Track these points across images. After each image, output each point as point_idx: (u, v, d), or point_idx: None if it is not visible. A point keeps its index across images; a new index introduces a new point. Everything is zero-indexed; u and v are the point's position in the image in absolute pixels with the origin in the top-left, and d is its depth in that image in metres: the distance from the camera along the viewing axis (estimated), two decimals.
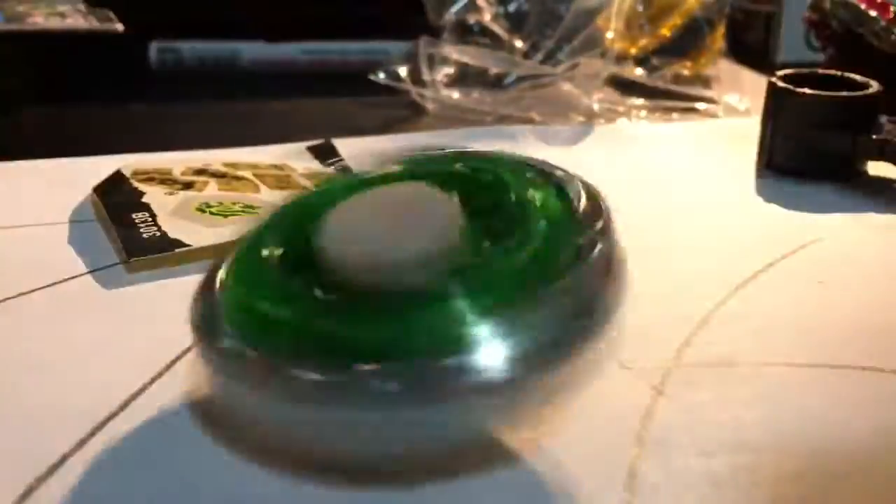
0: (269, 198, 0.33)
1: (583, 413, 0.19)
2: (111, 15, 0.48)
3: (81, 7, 0.49)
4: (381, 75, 0.49)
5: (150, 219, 0.30)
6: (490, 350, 0.15)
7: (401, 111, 0.47)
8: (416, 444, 0.16)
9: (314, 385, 0.16)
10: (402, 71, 0.50)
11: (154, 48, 0.52)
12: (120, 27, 0.47)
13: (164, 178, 0.34)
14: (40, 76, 0.46)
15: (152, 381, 0.20)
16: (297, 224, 0.19)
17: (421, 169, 0.20)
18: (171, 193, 0.33)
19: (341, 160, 0.39)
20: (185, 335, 0.22)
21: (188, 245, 0.28)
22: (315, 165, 0.39)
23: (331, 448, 0.17)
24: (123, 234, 0.28)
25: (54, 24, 0.50)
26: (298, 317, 0.17)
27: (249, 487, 0.17)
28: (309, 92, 0.47)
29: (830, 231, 0.29)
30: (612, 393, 0.20)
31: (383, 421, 0.16)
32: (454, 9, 0.52)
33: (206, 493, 0.17)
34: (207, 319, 0.18)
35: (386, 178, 0.20)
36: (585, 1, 0.50)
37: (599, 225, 0.18)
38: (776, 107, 0.34)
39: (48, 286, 0.25)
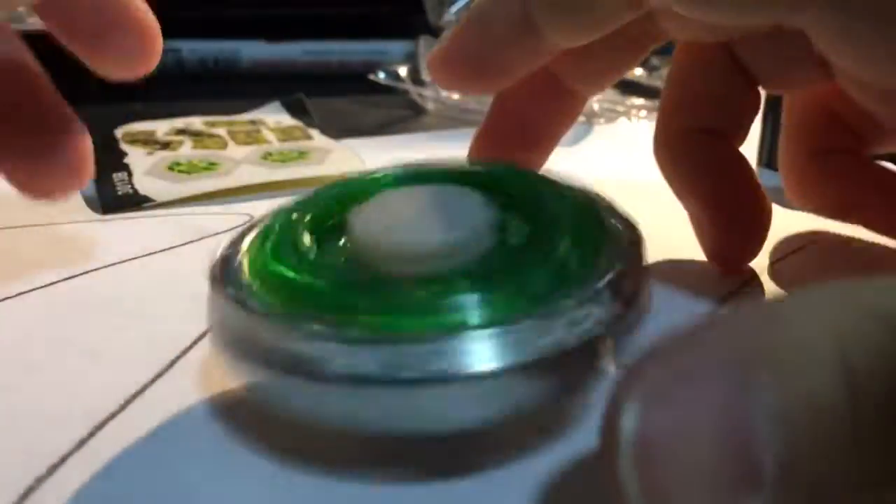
0: (236, 154, 0.38)
1: (583, 413, 0.19)
2: None
3: None
4: (381, 75, 0.49)
5: (126, 178, 0.34)
6: (482, 343, 0.15)
7: (401, 111, 0.47)
8: (400, 424, 0.16)
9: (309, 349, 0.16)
10: (402, 71, 0.50)
11: None
12: None
13: (147, 139, 0.39)
14: None
15: (153, 380, 0.20)
16: (333, 206, 0.20)
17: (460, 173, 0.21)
18: (150, 153, 0.37)
19: (310, 116, 0.42)
20: (185, 334, 0.22)
21: (154, 200, 0.32)
22: (286, 119, 0.43)
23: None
24: (102, 191, 0.33)
25: None
26: (316, 283, 0.17)
27: (250, 487, 0.17)
28: (309, 92, 0.47)
29: (830, 231, 0.29)
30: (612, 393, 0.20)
31: (360, 399, 0.16)
32: (454, 9, 0.52)
33: (206, 493, 0.17)
34: (227, 271, 0.18)
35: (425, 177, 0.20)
36: None
37: (627, 239, 0.18)
38: (775, 106, 0.34)
39: (48, 285, 0.25)
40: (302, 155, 0.38)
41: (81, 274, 0.26)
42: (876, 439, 0.12)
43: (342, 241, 0.19)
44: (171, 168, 0.35)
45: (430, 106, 0.47)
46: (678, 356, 0.13)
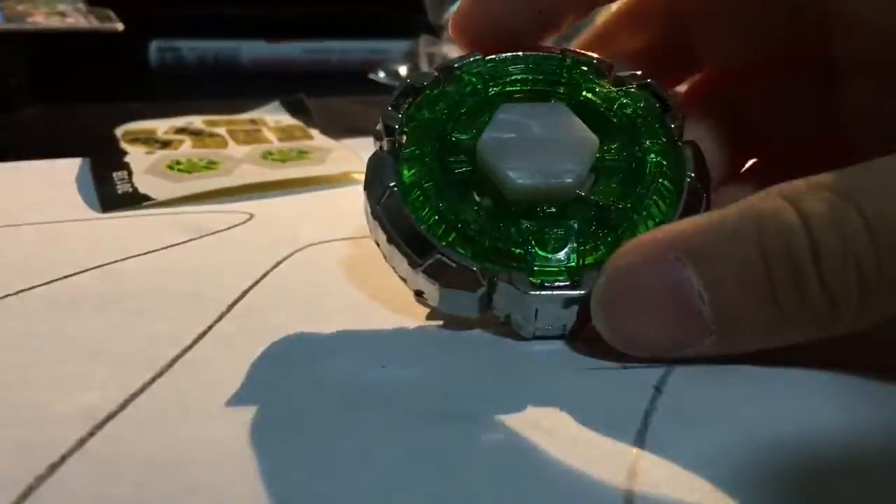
0: (236, 153, 0.38)
1: (583, 413, 0.19)
2: (111, 14, 0.48)
3: (81, 6, 0.49)
4: (381, 74, 0.49)
5: (126, 176, 0.35)
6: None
7: None
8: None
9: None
10: (402, 70, 0.50)
11: (154, 48, 0.52)
12: (120, 26, 0.47)
13: (147, 138, 0.40)
14: (40, 76, 0.46)
15: (153, 380, 0.20)
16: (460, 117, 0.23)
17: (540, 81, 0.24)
18: (149, 153, 0.37)
19: (310, 116, 0.42)
20: (185, 333, 0.22)
21: (154, 199, 0.33)
22: (286, 118, 0.43)
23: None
24: (102, 190, 0.33)
25: (54, 23, 0.50)
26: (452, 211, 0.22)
27: (251, 487, 0.17)
28: (309, 91, 0.47)
29: None
30: (612, 393, 0.20)
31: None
32: (454, 8, 0.52)
33: (206, 492, 0.17)
34: (381, 177, 0.22)
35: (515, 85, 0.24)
36: None
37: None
38: None
39: (47, 283, 0.25)
40: (302, 154, 0.38)
41: (81, 272, 0.26)
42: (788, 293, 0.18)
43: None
44: (171, 167, 0.35)
45: None
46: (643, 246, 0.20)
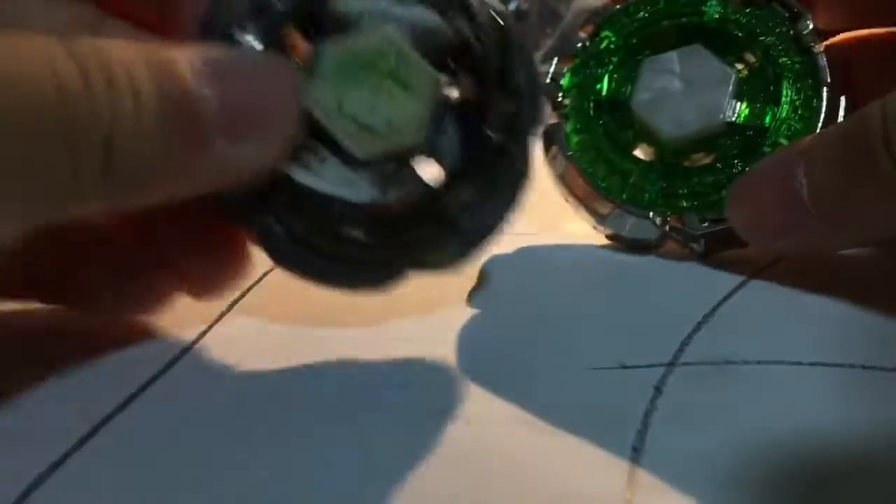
0: None
1: (583, 413, 0.19)
2: None
3: None
4: None
5: None
6: None
7: None
8: None
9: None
10: None
11: None
12: None
13: None
14: None
15: (153, 379, 0.20)
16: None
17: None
18: None
19: None
20: (185, 333, 0.22)
21: None
22: None
23: None
24: None
25: None
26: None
27: (251, 487, 0.17)
28: None
29: None
30: (612, 393, 0.20)
31: None
32: None
33: (206, 492, 0.17)
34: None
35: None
36: (585, 1, 0.50)
37: None
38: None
39: None
40: None
41: None
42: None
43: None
44: None
45: None
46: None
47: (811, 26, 0.25)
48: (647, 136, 0.26)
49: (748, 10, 0.26)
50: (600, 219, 0.26)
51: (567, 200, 0.26)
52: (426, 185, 0.20)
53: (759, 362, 0.21)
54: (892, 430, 0.18)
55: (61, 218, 0.17)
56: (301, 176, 0.20)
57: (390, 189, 0.20)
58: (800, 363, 0.21)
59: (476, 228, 0.21)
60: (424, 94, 0.20)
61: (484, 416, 0.19)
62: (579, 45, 0.27)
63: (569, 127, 0.26)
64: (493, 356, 0.21)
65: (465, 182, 0.21)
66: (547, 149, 0.26)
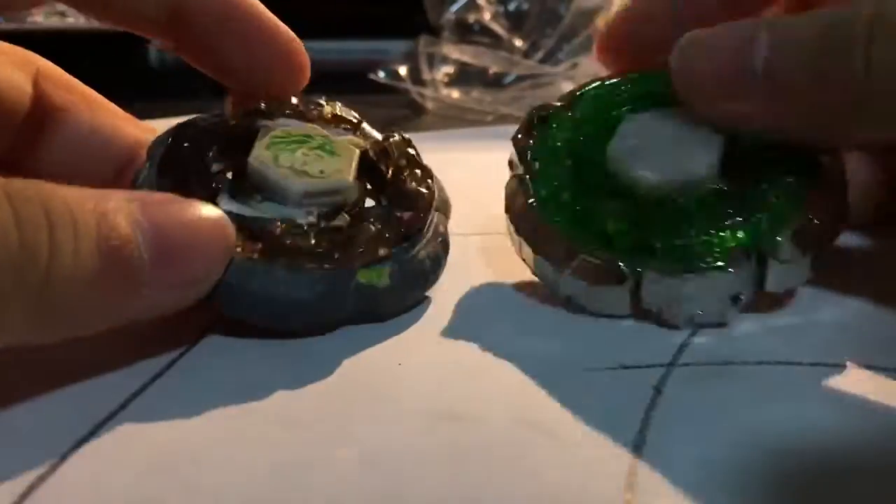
0: None
1: (583, 413, 0.19)
2: None
3: None
4: (381, 74, 0.49)
5: None
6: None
7: (400, 110, 0.47)
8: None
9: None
10: (402, 70, 0.50)
11: (154, 48, 0.52)
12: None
13: None
14: None
15: (153, 379, 0.20)
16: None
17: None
18: None
19: None
20: (185, 333, 0.22)
21: None
22: None
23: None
24: None
25: (54, 23, 0.50)
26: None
27: (251, 487, 0.17)
28: (309, 91, 0.47)
29: None
30: (612, 393, 0.20)
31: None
32: (454, 8, 0.52)
33: (206, 492, 0.17)
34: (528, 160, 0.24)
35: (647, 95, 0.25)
36: (585, 1, 0.50)
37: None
38: None
39: None
40: None
41: None
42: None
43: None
44: None
45: (429, 105, 0.47)
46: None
47: None
48: (623, 188, 0.23)
49: None
50: (562, 270, 0.23)
51: (523, 259, 0.24)
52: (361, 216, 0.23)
53: (759, 362, 0.21)
54: (892, 430, 0.18)
55: None
56: (241, 209, 0.22)
57: (325, 221, 0.23)
58: (800, 363, 0.21)
59: (408, 258, 0.23)
60: (349, 157, 0.24)
61: (484, 416, 0.19)
62: (557, 107, 0.25)
63: (538, 176, 0.24)
64: (493, 356, 0.21)
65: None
66: (510, 200, 0.24)
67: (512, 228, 0.24)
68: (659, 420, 0.19)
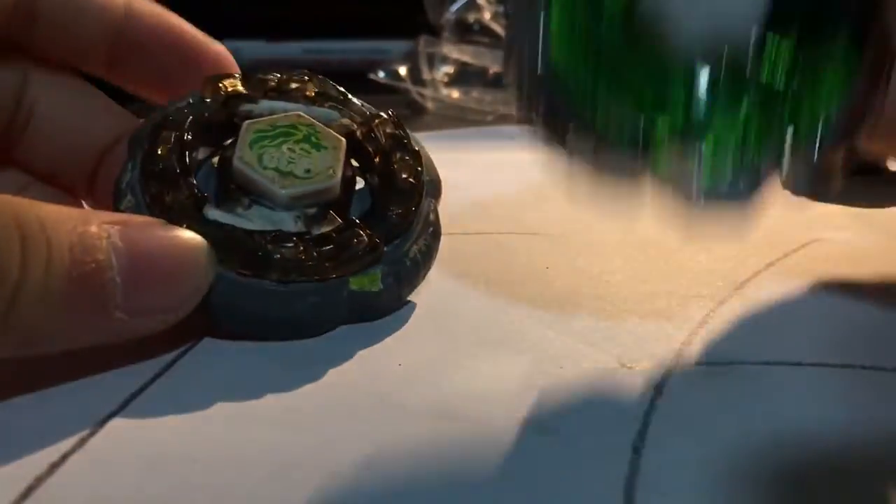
0: None
1: (583, 413, 0.19)
2: None
3: None
4: (381, 74, 0.49)
5: None
6: None
7: (400, 110, 0.47)
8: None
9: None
10: (402, 70, 0.50)
11: None
12: None
13: None
14: None
15: (153, 379, 0.20)
16: None
17: None
18: None
19: None
20: (185, 334, 0.22)
21: None
22: None
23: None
24: None
25: None
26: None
27: (252, 487, 0.17)
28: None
29: (830, 230, 0.29)
30: (612, 393, 0.20)
31: None
32: (454, 8, 0.52)
33: (207, 492, 0.17)
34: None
35: None
36: None
37: None
38: None
39: None
40: None
41: None
42: None
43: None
44: None
45: (429, 105, 0.47)
46: None
47: None
48: (654, 40, 0.20)
49: None
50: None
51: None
52: (349, 220, 0.22)
53: (759, 363, 0.21)
54: (892, 429, 0.18)
55: None
56: (227, 219, 0.22)
57: (314, 227, 0.22)
58: (800, 363, 0.21)
59: (398, 258, 0.23)
60: (335, 150, 0.23)
61: (484, 416, 0.19)
62: None
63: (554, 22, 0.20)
64: (492, 355, 0.21)
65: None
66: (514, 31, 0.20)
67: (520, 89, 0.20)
68: (659, 420, 0.19)
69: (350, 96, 0.25)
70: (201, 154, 0.23)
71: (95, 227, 0.18)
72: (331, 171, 0.22)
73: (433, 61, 0.49)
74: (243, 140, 0.23)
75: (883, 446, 0.18)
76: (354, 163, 0.24)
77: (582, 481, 0.17)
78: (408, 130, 0.24)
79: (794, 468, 0.17)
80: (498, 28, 0.52)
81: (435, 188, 0.25)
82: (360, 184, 0.24)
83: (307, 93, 0.25)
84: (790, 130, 0.19)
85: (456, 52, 0.49)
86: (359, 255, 0.22)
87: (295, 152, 0.22)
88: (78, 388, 0.20)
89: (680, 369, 0.20)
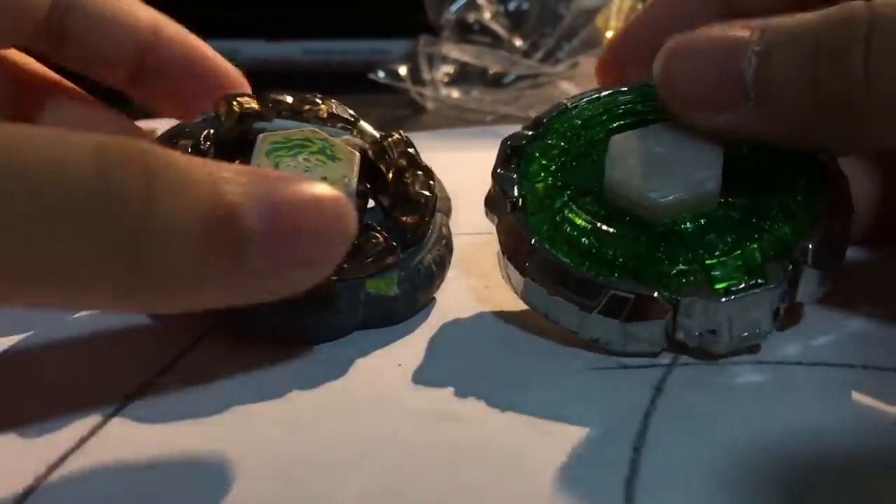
0: None
1: (583, 413, 0.19)
2: None
3: None
4: (381, 74, 0.49)
5: None
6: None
7: (400, 110, 0.47)
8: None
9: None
10: (402, 70, 0.50)
11: None
12: None
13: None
14: None
15: (153, 379, 0.20)
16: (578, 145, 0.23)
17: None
18: None
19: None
20: (185, 334, 0.22)
21: None
22: None
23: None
24: None
25: None
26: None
27: (252, 486, 0.17)
28: (309, 91, 0.47)
29: None
30: (612, 393, 0.20)
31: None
32: (454, 7, 0.52)
33: (207, 492, 0.17)
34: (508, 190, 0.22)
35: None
36: (585, 1, 0.50)
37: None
38: None
39: None
40: None
41: None
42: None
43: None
44: None
45: (429, 105, 0.47)
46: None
47: None
48: (626, 216, 0.21)
49: None
50: (588, 309, 0.20)
51: (533, 307, 0.22)
52: (366, 223, 0.22)
53: (759, 362, 0.21)
54: (892, 430, 0.18)
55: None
56: None
57: None
58: (800, 363, 0.21)
59: (413, 265, 0.23)
60: (349, 161, 0.23)
61: (483, 415, 0.19)
62: (529, 136, 0.23)
63: (532, 212, 0.22)
64: (493, 355, 0.21)
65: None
66: (509, 243, 0.22)
67: (512, 272, 0.22)
68: (659, 420, 0.19)
69: (362, 120, 0.25)
70: None
71: (230, 172, 0.16)
72: (346, 179, 0.23)
73: (433, 61, 0.49)
74: (259, 150, 0.23)
75: (883, 446, 0.18)
76: (368, 185, 0.24)
77: (582, 481, 0.17)
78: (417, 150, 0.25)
79: (793, 468, 0.17)
80: (498, 28, 0.52)
81: (446, 206, 0.25)
82: (371, 204, 0.24)
83: (320, 114, 0.25)
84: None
85: (456, 51, 0.49)
86: (376, 256, 0.22)
87: (311, 162, 0.23)
88: (78, 388, 0.20)
89: (680, 369, 0.20)
